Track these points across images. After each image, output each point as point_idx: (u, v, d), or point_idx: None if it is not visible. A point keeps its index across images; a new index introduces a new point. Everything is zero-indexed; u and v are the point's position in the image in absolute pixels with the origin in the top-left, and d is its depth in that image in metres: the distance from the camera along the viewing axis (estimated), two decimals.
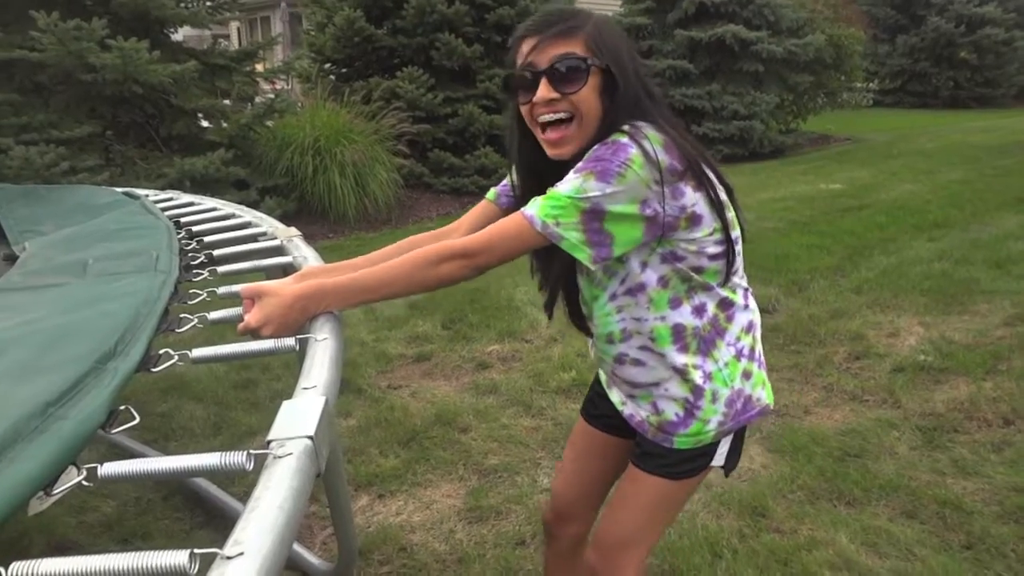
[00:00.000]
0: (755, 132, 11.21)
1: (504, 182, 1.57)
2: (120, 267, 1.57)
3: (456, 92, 8.83)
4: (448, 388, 3.62)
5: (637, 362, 1.46)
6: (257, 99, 8.21)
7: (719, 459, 1.51)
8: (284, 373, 3.74)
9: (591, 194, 1.24)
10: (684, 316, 1.41)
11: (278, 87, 10.36)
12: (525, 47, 1.32)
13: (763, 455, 2.91)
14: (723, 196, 1.37)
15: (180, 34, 8.82)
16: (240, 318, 1.24)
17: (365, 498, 2.71)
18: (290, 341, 1.21)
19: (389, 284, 1.29)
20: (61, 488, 0.82)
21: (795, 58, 11.60)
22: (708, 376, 1.43)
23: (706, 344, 1.43)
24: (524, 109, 1.34)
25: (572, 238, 1.26)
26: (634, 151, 1.24)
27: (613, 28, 1.36)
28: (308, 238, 6.95)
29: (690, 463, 1.49)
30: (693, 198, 1.30)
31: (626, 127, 1.28)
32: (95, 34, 6.29)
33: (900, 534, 2.38)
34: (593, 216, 1.25)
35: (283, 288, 1.26)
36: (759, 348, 1.53)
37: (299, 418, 0.95)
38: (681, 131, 1.34)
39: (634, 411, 1.51)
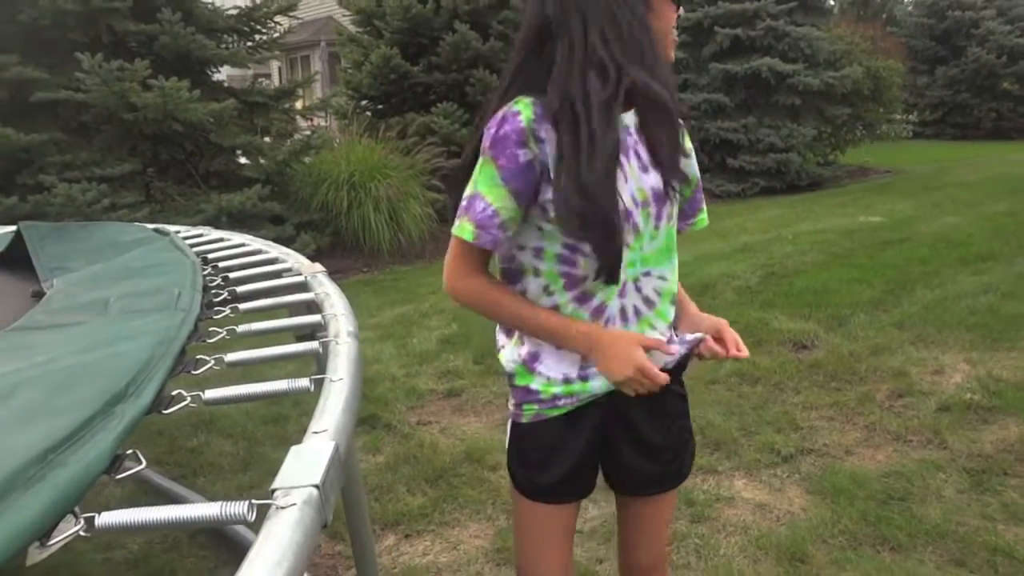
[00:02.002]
0: (792, 165, 11.09)
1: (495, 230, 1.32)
2: (141, 304, 1.56)
3: None
4: (478, 424, 3.57)
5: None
6: (295, 136, 8.35)
7: None
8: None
9: None
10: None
11: (315, 124, 10.54)
12: None
13: (802, 497, 2.80)
14: None
15: (223, 74, 9.04)
16: (253, 361, 1.23)
17: (392, 537, 2.66)
18: (304, 382, 1.18)
19: None
20: (58, 539, 0.79)
21: (832, 90, 11.49)
22: None
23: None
24: (671, 15, 1.39)
25: None
26: None
27: None
28: (342, 272, 7.03)
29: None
30: None
31: None
32: (138, 75, 6.46)
33: None
34: None
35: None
36: None
37: (306, 465, 0.91)
38: None
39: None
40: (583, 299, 1.35)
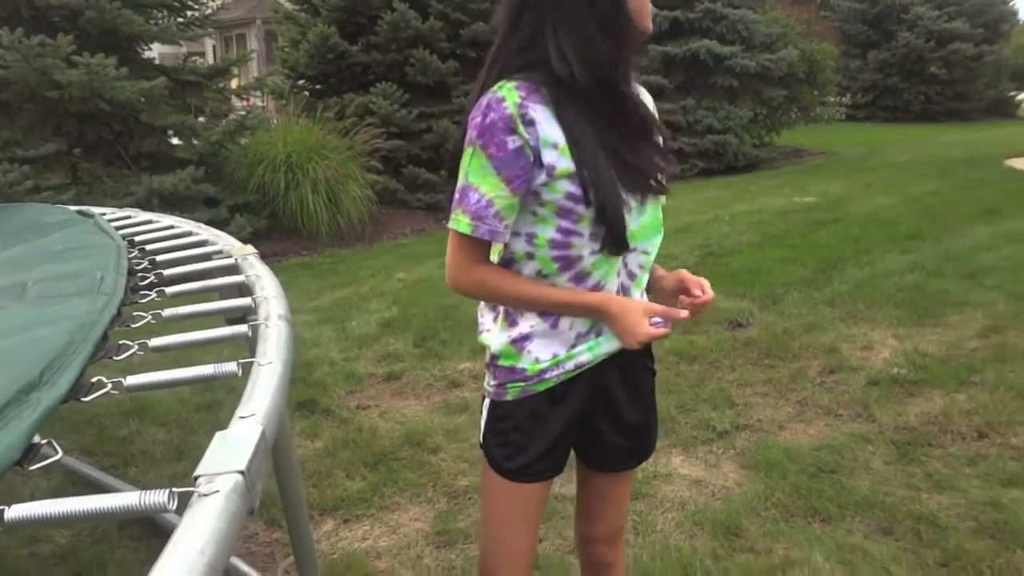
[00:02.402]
0: (730, 146, 11.28)
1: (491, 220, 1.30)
2: (61, 289, 1.50)
3: (431, 108, 8.81)
4: (418, 407, 3.55)
5: None
6: (230, 116, 8.14)
7: None
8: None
9: None
10: None
11: (251, 104, 10.30)
12: None
13: (737, 472, 2.87)
14: None
15: (154, 51, 8.75)
16: (180, 346, 1.20)
17: (330, 523, 2.63)
18: (231, 366, 1.15)
19: None
20: None
21: (768, 73, 11.70)
22: None
23: None
24: None
25: None
26: None
27: None
28: (280, 255, 6.88)
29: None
30: None
31: None
32: (61, 51, 6.20)
33: (875, 551, 2.34)
34: None
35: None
36: None
37: (231, 450, 0.89)
38: None
39: None
40: (580, 279, 1.35)
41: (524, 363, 1.38)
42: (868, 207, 7.91)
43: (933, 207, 7.72)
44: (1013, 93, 24.39)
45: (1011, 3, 24.04)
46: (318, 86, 9.51)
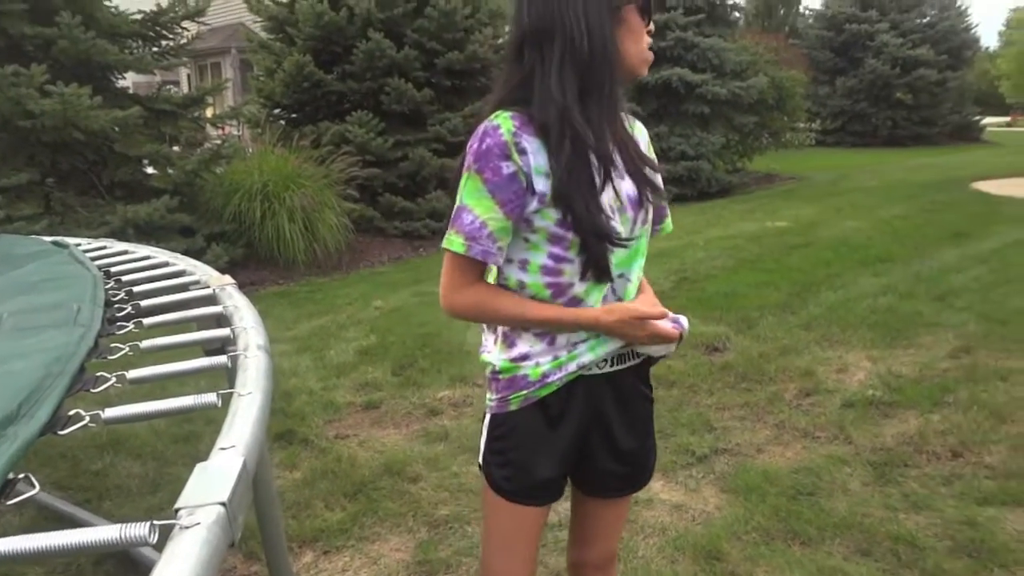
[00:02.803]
0: (703, 172, 11.41)
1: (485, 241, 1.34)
2: (37, 321, 1.49)
3: (407, 136, 8.84)
4: (398, 436, 3.53)
5: None
6: (205, 145, 8.11)
7: None
8: None
9: None
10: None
11: (227, 133, 10.28)
12: None
13: (717, 496, 2.87)
14: None
15: (128, 80, 8.71)
16: (158, 378, 1.19)
17: (309, 554, 2.60)
18: (211, 397, 1.15)
19: None
20: None
21: (739, 100, 11.90)
22: None
23: None
24: (642, 32, 1.39)
25: None
26: None
27: None
28: (257, 284, 6.83)
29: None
30: None
31: None
32: (35, 80, 6.17)
33: (855, 573, 2.35)
34: None
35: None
36: None
37: (213, 482, 0.88)
38: None
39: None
40: (573, 304, 1.39)
41: (526, 370, 1.41)
42: (839, 231, 8.03)
43: (902, 230, 7.85)
44: (977, 118, 24.96)
45: (973, 30, 24.68)
46: (294, 115, 9.52)
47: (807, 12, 27.80)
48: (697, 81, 11.46)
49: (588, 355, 1.41)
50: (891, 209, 9.33)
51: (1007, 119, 38.96)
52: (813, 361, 4.18)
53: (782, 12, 30.15)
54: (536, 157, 1.29)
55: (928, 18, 23.28)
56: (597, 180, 1.31)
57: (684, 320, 1.45)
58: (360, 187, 8.33)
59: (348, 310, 5.81)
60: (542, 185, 1.30)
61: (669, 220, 1.61)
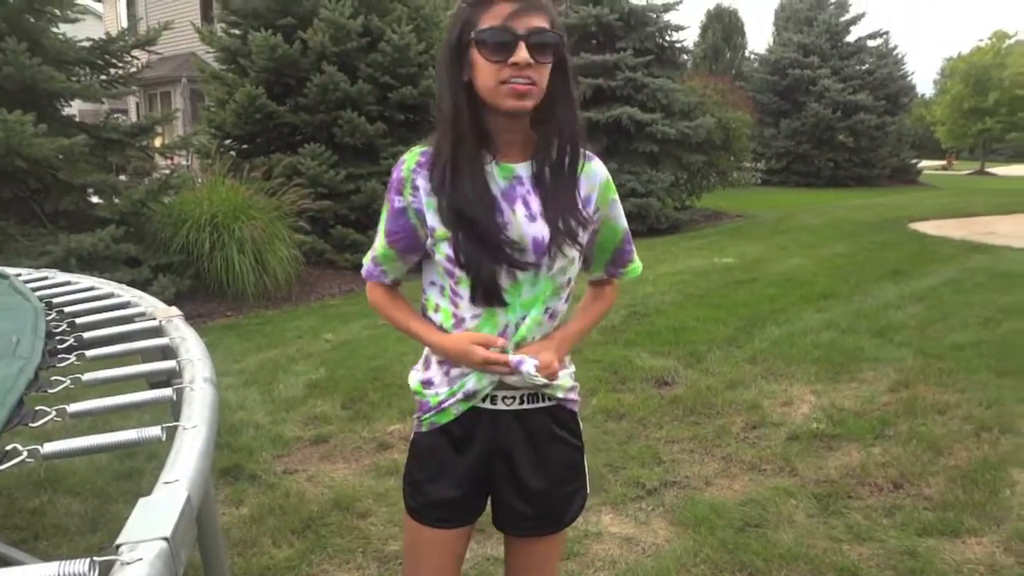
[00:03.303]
0: (652, 209, 11.61)
1: (370, 262, 1.56)
2: None
3: (359, 169, 8.84)
4: (347, 471, 3.49)
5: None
6: (153, 175, 7.99)
7: None
8: None
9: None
10: (563, 308, 1.52)
11: (176, 163, 10.15)
12: (504, 9, 1.32)
13: (666, 528, 2.89)
14: None
15: (75, 108, 8.57)
16: (100, 411, 1.17)
17: None
18: (155, 431, 1.13)
19: (590, 331, 1.63)
20: None
21: (688, 139, 12.18)
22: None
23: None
24: (490, 69, 1.32)
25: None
26: None
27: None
28: (205, 316, 6.71)
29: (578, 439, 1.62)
30: None
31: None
32: None
33: None
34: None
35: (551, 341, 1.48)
36: None
37: (155, 517, 0.87)
38: None
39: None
40: None
41: (428, 396, 1.51)
42: (783, 267, 8.22)
43: (844, 267, 8.08)
44: (914, 161, 25.94)
45: (909, 78, 25.74)
46: (245, 146, 9.45)
47: (752, 56, 28.69)
48: (647, 120, 11.71)
49: (473, 383, 1.46)
50: (833, 247, 9.60)
51: (942, 163, 40.60)
52: (759, 395, 4.25)
53: (728, 55, 31.07)
54: (425, 193, 1.38)
55: (867, 65, 24.22)
56: (481, 218, 1.36)
57: (527, 363, 1.41)
58: (311, 219, 8.28)
59: (298, 343, 5.74)
60: (433, 220, 1.39)
61: (633, 266, 1.64)
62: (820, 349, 5.03)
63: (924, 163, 28.24)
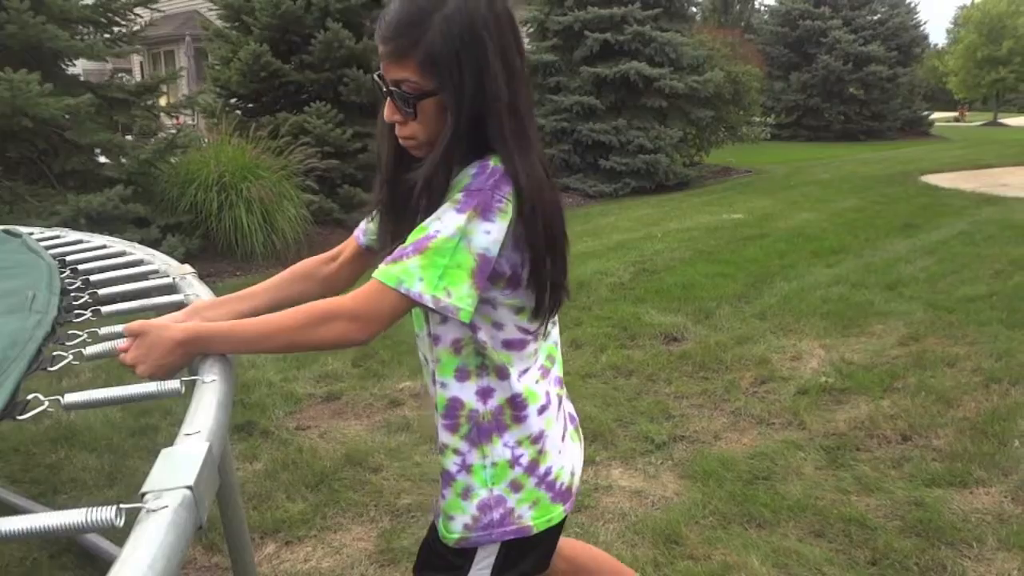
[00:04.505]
0: (661, 165, 11.52)
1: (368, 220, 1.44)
2: None
3: (365, 127, 8.77)
4: (359, 427, 3.53)
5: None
6: (159, 134, 7.96)
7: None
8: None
9: (477, 240, 1.11)
10: (466, 394, 1.25)
11: (182, 122, 10.10)
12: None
13: (675, 481, 2.93)
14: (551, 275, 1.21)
15: (79, 68, 8.50)
16: (114, 354, 1.18)
17: (272, 545, 2.59)
18: (175, 384, 1.14)
19: (270, 339, 1.19)
20: None
21: (696, 94, 12.01)
22: (466, 468, 1.27)
23: (479, 434, 1.26)
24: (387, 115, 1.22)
25: (467, 307, 1.12)
26: (511, 187, 1.13)
27: (467, 25, 1.11)
28: (214, 276, 6.76)
29: (441, 569, 1.33)
30: (524, 258, 1.18)
31: (498, 151, 1.15)
32: None
33: (809, 554, 2.42)
34: (484, 268, 1.13)
35: (165, 330, 1.18)
36: (549, 466, 1.31)
37: (178, 467, 0.88)
38: (544, 167, 1.20)
39: None
40: None
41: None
42: (793, 223, 8.18)
43: (855, 222, 8.03)
44: (926, 113, 25.56)
45: (922, 28, 25.25)
46: (251, 105, 9.38)
47: (762, 8, 28.24)
48: (655, 75, 11.54)
49: None
50: (844, 202, 9.53)
51: (955, 114, 40.03)
52: (768, 350, 4.26)
53: (738, 8, 30.56)
54: None
55: (879, 15, 23.76)
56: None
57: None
58: (319, 178, 8.25)
59: None
60: None
61: (378, 269, 1.17)
62: (829, 304, 5.03)
63: (936, 115, 27.81)
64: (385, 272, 1.13)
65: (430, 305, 1.12)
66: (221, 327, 1.23)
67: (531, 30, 12.67)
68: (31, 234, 2.39)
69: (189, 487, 0.84)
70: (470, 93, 1.12)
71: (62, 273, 1.86)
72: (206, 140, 8.19)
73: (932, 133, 25.20)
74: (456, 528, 1.29)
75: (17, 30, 6.35)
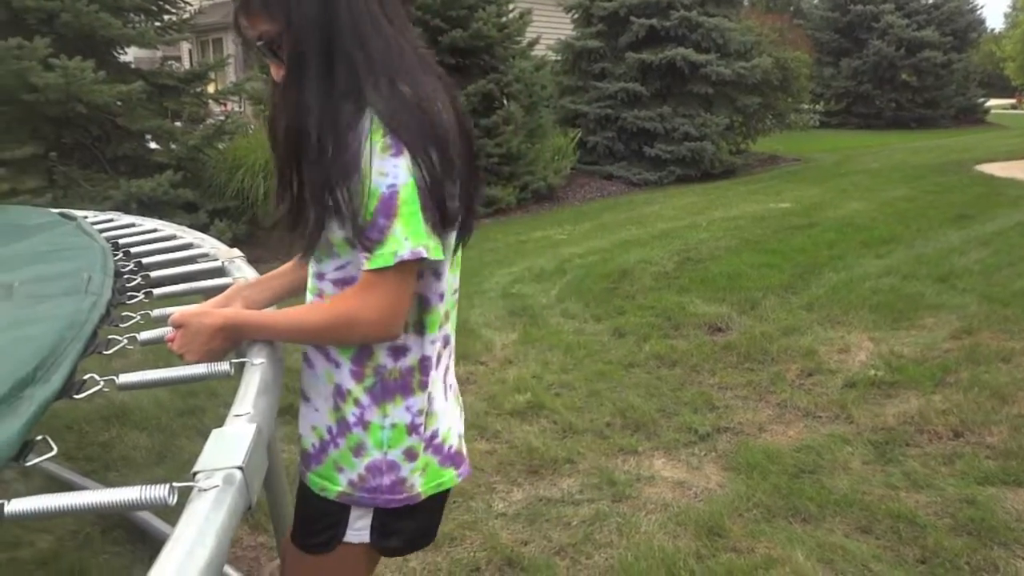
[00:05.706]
0: (706, 153, 11.37)
1: None
2: (48, 289, 1.50)
3: None
4: None
5: (306, 358, 1.28)
6: (208, 121, 8.09)
7: (353, 534, 1.25)
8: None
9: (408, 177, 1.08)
10: (378, 345, 1.21)
11: (229, 109, 10.24)
12: None
13: (719, 473, 2.89)
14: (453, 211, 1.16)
15: (130, 55, 8.67)
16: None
17: None
18: (225, 366, 1.16)
19: (299, 335, 1.23)
20: None
21: (743, 80, 11.82)
22: (363, 424, 1.22)
23: (384, 391, 1.22)
24: None
25: (435, 245, 1.12)
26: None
27: None
28: (259, 261, 6.83)
29: (318, 530, 1.28)
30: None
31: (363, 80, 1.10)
32: (37, 53, 6.14)
33: (856, 550, 2.37)
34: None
35: (205, 317, 1.19)
36: (435, 428, 1.28)
37: (228, 447, 0.90)
38: (427, 91, 1.13)
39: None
40: None
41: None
42: (842, 212, 8.01)
43: (906, 212, 7.83)
44: (981, 100, 24.81)
45: (979, 12, 24.49)
46: None
47: None
48: (701, 61, 11.38)
49: None
50: (895, 191, 9.30)
51: (1012, 101, 38.74)
52: (815, 341, 4.19)
53: None
54: None
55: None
56: None
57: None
58: None
59: None
60: None
61: (367, 259, 1.12)
62: (879, 295, 4.92)
63: (992, 102, 26.95)
64: (376, 258, 1.10)
65: (424, 255, 1.10)
66: (256, 317, 1.26)
67: (576, 16, 12.57)
68: (85, 217, 2.45)
69: (240, 467, 0.85)
70: (312, 16, 1.09)
71: (115, 256, 1.90)
72: (253, 126, 8.31)
73: (988, 121, 24.44)
74: (341, 481, 1.24)
75: (71, 19, 6.49)
